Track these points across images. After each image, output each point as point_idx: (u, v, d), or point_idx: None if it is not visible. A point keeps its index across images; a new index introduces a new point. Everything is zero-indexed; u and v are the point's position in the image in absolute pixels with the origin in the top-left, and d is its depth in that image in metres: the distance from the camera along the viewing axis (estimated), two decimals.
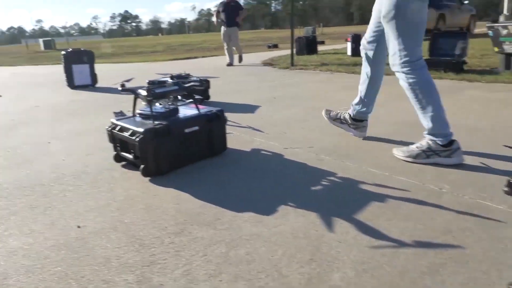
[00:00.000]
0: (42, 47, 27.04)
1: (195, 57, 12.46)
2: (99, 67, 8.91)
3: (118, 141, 2.61)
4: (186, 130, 2.55)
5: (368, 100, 2.78)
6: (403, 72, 2.36)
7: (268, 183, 2.29)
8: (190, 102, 2.99)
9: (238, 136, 3.07)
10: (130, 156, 2.55)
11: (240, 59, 9.40)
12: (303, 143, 2.88)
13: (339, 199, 2.05)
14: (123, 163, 2.69)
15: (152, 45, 22.30)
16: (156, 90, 2.52)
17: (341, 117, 2.93)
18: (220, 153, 2.76)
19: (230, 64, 8.89)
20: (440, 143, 2.41)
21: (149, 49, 18.85)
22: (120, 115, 2.72)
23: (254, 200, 2.08)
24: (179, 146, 2.50)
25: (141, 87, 2.53)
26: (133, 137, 2.35)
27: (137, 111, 2.66)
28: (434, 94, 2.38)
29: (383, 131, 3.07)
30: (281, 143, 2.91)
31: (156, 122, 2.45)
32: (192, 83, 2.76)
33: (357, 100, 2.83)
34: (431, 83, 2.37)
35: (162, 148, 2.42)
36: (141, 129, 2.36)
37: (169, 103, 2.71)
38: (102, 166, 2.70)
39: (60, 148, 3.05)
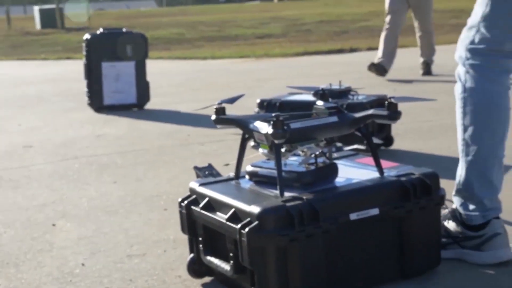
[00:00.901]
0: (38, 23, 17.95)
1: (354, 49, 9.86)
2: (154, 68, 7.58)
3: (201, 230, 1.81)
4: (353, 216, 1.67)
5: None
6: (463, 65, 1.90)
7: None
8: (354, 152, 2.10)
9: None
10: (225, 266, 1.71)
11: (427, 68, 6.30)
12: None
13: None
14: (209, 279, 1.85)
15: (260, 21, 16.75)
16: (293, 125, 1.67)
17: None
18: (422, 272, 1.82)
19: (382, 68, 6.10)
20: (467, 221, 1.88)
21: (253, 31, 14.79)
22: (207, 172, 1.95)
23: None
24: (335, 251, 1.68)
25: (255, 117, 1.74)
26: (235, 225, 1.51)
27: (247, 167, 1.83)
28: (493, 122, 1.86)
29: None
30: None
31: (289, 195, 1.66)
32: (371, 112, 1.70)
33: None
34: (498, 103, 1.86)
35: (302, 254, 1.60)
36: (255, 208, 1.60)
37: (317, 154, 1.78)
38: None
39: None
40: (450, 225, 1.92)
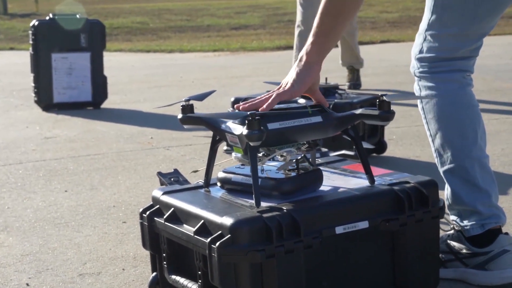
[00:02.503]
0: None
1: None
2: (113, 61, 7.96)
3: (165, 245, 1.84)
4: (339, 230, 1.71)
5: None
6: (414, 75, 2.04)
7: None
8: (342, 158, 2.14)
9: None
10: (192, 286, 1.74)
11: (355, 77, 5.90)
12: None
13: None
14: None
15: (235, 10, 17.04)
16: (270, 125, 1.70)
17: None
18: None
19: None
20: (465, 233, 1.94)
21: (228, 21, 15.04)
22: (173, 179, 1.97)
23: None
24: (318, 268, 1.72)
25: (227, 115, 1.80)
26: (204, 239, 1.67)
27: (219, 174, 1.87)
28: (456, 123, 1.96)
29: None
30: None
31: (266, 206, 1.71)
32: (360, 111, 1.74)
33: None
34: (456, 101, 1.97)
35: (280, 272, 1.64)
36: (227, 220, 1.65)
37: (299, 159, 1.82)
38: None
39: None
40: (454, 243, 1.97)
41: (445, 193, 1.98)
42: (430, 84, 1.95)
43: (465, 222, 1.94)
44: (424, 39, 1.95)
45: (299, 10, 4.97)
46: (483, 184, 1.93)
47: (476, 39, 1.93)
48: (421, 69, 1.97)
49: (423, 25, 1.96)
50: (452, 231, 1.98)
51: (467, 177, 1.93)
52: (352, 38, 5.61)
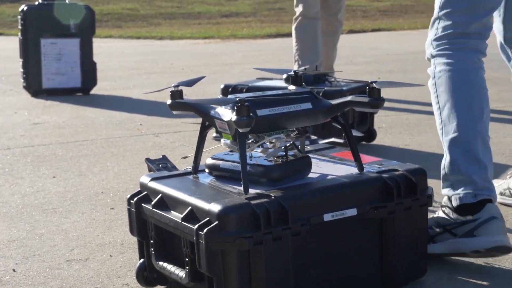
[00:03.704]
0: None
1: None
2: (103, 47, 8.08)
3: (153, 231, 1.85)
4: (327, 217, 1.71)
5: None
6: (431, 57, 2.15)
7: None
8: (331, 146, 2.14)
9: None
10: (180, 273, 1.74)
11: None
12: None
13: None
14: None
15: None
16: (260, 112, 1.71)
17: None
18: (404, 283, 1.89)
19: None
20: (457, 201, 1.97)
21: (218, 8, 14.97)
22: (161, 165, 1.97)
23: None
24: (306, 256, 1.74)
25: (217, 101, 1.80)
26: (192, 225, 1.67)
27: (207, 160, 1.88)
28: (466, 97, 2.06)
29: None
30: None
31: (255, 192, 1.72)
32: (350, 98, 1.75)
33: None
34: (468, 78, 2.08)
35: (268, 259, 1.66)
36: (215, 206, 1.66)
37: (288, 146, 1.83)
38: None
39: None
40: (440, 214, 2.01)
41: (443, 163, 2.03)
42: (446, 61, 2.05)
43: (458, 191, 1.98)
44: (439, 21, 2.07)
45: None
46: (483, 158, 1.99)
47: (486, 12, 2.04)
48: (437, 48, 2.07)
49: (435, 10, 2.07)
50: (439, 213, 2.03)
51: (468, 148, 1.99)
52: (332, 40, 4.62)
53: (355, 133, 2.29)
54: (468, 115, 2.03)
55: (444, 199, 2.02)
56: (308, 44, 4.16)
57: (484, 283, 1.84)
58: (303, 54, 4.12)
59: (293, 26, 4.31)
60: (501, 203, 2.37)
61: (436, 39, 2.08)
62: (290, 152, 1.78)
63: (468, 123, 2.04)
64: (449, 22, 2.05)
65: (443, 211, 2.01)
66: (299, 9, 4.26)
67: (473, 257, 1.94)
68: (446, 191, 2.02)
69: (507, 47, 2.31)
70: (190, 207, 1.64)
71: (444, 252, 1.97)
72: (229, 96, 1.78)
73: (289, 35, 10.13)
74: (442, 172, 2.03)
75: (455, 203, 1.97)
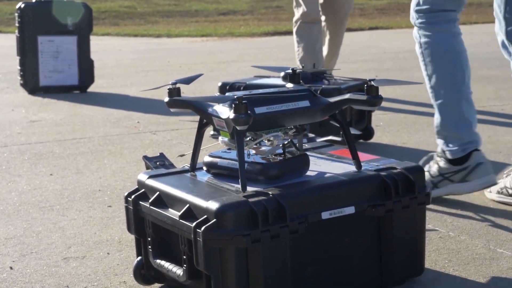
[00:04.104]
0: None
1: None
2: (100, 45, 8.00)
3: (150, 229, 1.84)
4: (325, 215, 1.71)
5: None
6: (414, 24, 2.56)
7: None
8: (329, 144, 2.14)
9: None
10: (177, 271, 1.74)
11: None
12: None
13: None
14: (159, 286, 1.91)
15: None
16: (258, 109, 1.70)
17: None
18: (402, 281, 1.88)
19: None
20: (449, 155, 2.46)
21: (216, 6, 14.85)
22: (159, 163, 1.97)
23: None
24: (303, 254, 1.73)
25: (215, 98, 1.78)
26: (190, 223, 1.67)
27: (205, 158, 1.87)
28: (449, 66, 2.47)
29: None
30: None
31: (253, 190, 1.71)
32: (348, 96, 1.74)
33: None
34: (449, 48, 2.48)
35: (266, 257, 1.66)
36: (213, 204, 1.65)
37: (285, 144, 1.83)
38: None
39: None
40: (440, 164, 2.46)
41: (435, 122, 2.48)
42: (428, 33, 2.46)
43: (450, 146, 2.44)
44: None
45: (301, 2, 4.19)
46: (467, 115, 2.43)
47: None
48: (419, 20, 2.47)
49: None
50: (438, 160, 2.49)
51: (455, 110, 2.43)
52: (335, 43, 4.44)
53: (353, 131, 2.29)
54: (452, 82, 2.44)
55: (439, 149, 2.48)
56: (310, 48, 4.10)
57: (482, 281, 1.84)
58: (304, 59, 4.06)
59: (294, 30, 4.26)
60: (499, 201, 2.44)
61: (417, 11, 2.46)
62: (288, 150, 1.78)
63: (453, 89, 2.46)
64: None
65: (440, 161, 2.47)
66: (299, 12, 4.19)
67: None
68: (441, 144, 2.47)
69: (508, 43, 2.40)
70: (187, 205, 1.64)
71: (446, 194, 2.45)
72: (226, 94, 1.78)
73: (286, 33, 10.16)
74: (436, 129, 2.48)
75: (448, 156, 2.44)
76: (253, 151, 1.77)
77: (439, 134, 2.47)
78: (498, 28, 2.37)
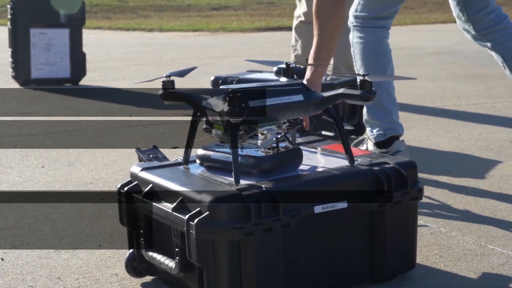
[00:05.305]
0: None
1: None
2: (92, 38, 8.07)
3: (142, 221, 1.84)
4: (318, 209, 1.71)
5: None
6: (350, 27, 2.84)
7: None
8: (322, 138, 2.15)
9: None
10: (169, 263, 1.74)
11: None
12: None
13: None
14: (151, 278, 1.90)
15: None
16: (252, 103, 1.69)
17: None
18: (393, 276, 1.88)
19: None
20: (373, 139, 2.76)
21: (208, 1, 14.98)
22: (152, 155, 1.97)
23: None
24: (296, 248, 1.73)
25: (209, 91, 1.81)
26: (182, 215, 1.66)
27: (198, 151, 1.87)
28: (372, 64, 2.75)
29: None
30: None
31: (246, 184, 1.71)
32: (341, 91, 1.74)
33: None
34: (375, 48, 2.79)
35: (258, 250, 1.66)
36: (206, 197, 1.65)
37: (279, 137, 1.83)
38: None
39: None
40: (369, 146, 2.75)
41: (364, 112, 2.76)
42: (359, 35, 2.75)
43: (374, 132, 2.73)
44: (359, 1, 2.72)
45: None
46: (387, 106, 2.71)
47: (397, 3, 2.72)
48: (355, 23, 2.74)
49: None
50: (368, 143, 2.75)
51: (377, 101, 2.62)
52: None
53: (346, 126, 2.32)
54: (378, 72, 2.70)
55: (369, 134, 2.76)
56: (308, 48, 4.01)
57: (473, 277, 1.84)
58: (301, 58, 3.99)
59: (293, 24, 4.19)
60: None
61: (355, 16, 2.73)
62: (281, 144, 1.78)
63: (375, 83, 2.59)
64: (366, 6, 2.71)
65: (369, 143, 2.74)
66: (300, 9, 4.07)
67: None
68: (368, 131, 2.77)
69: (479, 36, 2.74)
70: (180, 197, 1.63)
71: None
72: (220, 87, 1.77)
73: (278, 28, 10.17)
74: (364, 118, 2.76)
75: (373, 140, 2.72)
76: (251, 144, 1.77)
77: (366, 122, 2.78)
78: (464, 31, 2.72)
